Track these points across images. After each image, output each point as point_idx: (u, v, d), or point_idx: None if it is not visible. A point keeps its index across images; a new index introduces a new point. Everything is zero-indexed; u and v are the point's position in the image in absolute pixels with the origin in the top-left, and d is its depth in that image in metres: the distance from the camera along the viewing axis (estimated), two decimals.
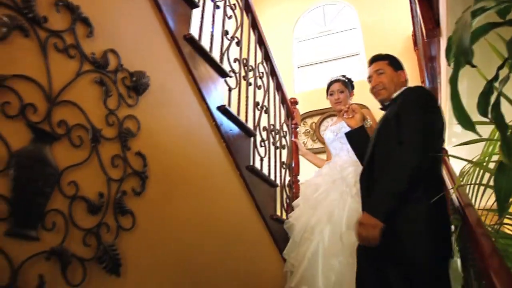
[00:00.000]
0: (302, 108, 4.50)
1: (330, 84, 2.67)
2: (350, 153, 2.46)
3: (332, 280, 2.06)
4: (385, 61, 1.87)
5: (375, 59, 1.91)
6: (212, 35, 2.04)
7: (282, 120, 2.96)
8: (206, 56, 1.94)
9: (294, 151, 3.02)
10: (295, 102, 3.16)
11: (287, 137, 2.97)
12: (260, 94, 2.62)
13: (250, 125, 2.35)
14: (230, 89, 2.22)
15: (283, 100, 3.02)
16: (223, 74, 2.09)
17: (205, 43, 1.98)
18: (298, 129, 3.18)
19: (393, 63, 1.86)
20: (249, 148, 2.30)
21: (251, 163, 2.25)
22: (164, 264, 1.46)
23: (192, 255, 1.63)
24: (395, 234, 1.45)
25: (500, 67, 1.20)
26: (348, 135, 1.98)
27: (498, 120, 1.13)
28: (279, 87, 2.94)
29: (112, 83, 1.36)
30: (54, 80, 1.15)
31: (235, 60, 2.33)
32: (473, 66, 1.19)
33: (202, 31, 1.98)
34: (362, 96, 4.39)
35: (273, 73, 2.86)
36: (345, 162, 2.48)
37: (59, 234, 1.09)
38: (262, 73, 2.70)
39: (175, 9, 1.78)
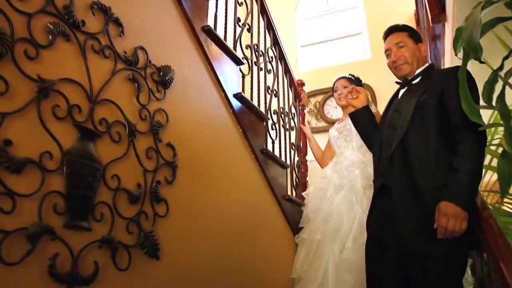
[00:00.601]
0: (306, 87, 4.58)
1: (335, 81, 2.67)
2: (355, 151, 2.47)
3: None
4: (405, 33, 1.72)
5: (393, 30, 1.75)
6: (226, 24, 2.09)
7: (291, 103, 3.03)
8: (222, 46, 2.00)
9: (301, 132, 3.11)
10: (302, 84, 3.23)
11: (295, 119, 3.05)
12: (269, 78, 2.68)
13: (262, 109, 2.43)
14: (243, 76, 2.28)
15: (291, 82, 3.08)
16: (238, 62, 2.16)
17: (219, 32, 2.04)
18: (305, 110, 3.26)
19: (414, 34, 1.72)
20: (263, 132, 2.38)
21: (265, 147, 2.35)
22: (192, 246, 1.58)
23: (214, 236, 1.74)
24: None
25: (505, 58, 1.28)
26: (352, 115, 1.90)
27: (503, 110, 1.22)
28: (287, 71, 3.00)
29: (143, 79, 1.43)
30: (94, 80, 1.22)
31: (247, 46, 2.39)
32: (482, 62, 1.27)
33: (216, 21, 2.03)
34: (365, 75, 4.47)
35: (281, 57, 2.91)
36: (351, 163, 2.42)
37: (106, 224, 1.19)
38: (272, 57, 2.75)
39: (193, 1, 1.82)
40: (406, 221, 1.47)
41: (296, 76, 4.49)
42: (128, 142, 1.33)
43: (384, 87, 4.13)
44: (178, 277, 1.45)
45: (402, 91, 1.71)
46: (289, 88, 3.07)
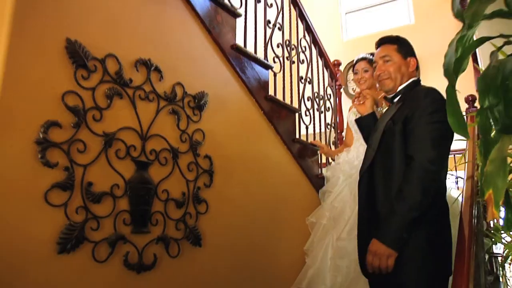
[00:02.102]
0: (349, 55, 4.66)
1: (355, 63, 2.57)
2: None
3: (338, 280, 2.22)
4: (394, 46, 1.71)
5: (383, 42, 1.75)
6: (255, 37, 2.36)
7: (326, 84, 3.25)
8: (251, 57, 2.30)
9: (338, 110, 3.34)
10: (338, 64, 3.40)
11: (331, 99, 3.28)
12: (304, 66, 2.92)
13: (295, 98, 2.73)
14: (275, 74, 2.57)
15: (326, 64, 3.27)
16: (267, 67, 2.44)
17: (250, 39, 2.33)
18: (342, 90, 3.46)
19: (403, 48, 1.71)
20: (294, 123, 2.69)
21: (297, 136, 2.67)
22: (229, 232, 2.03)
23: (246, 223, 2.17)
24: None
25: None
26: (357, 121, 1.94)
27: (482, 124, 1.40)
28: (321, 54, 3.19)
29: (181, 109, 1.82)
30: (142, 122, 1.64)
31: (278, 45, 2.64)
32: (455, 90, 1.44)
33: (246, 32, 2.31)
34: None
35: (315, 42, 3.10)
36: (363, 151, 2.41)
37: (160, 226, 1.66)
38: (305, 46, 2.96)
39: (222, 25, 2.12)
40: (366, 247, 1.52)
41: (341, 45, 4.61)
42: (173, 162, 1.75)
43: (428, 54, 4.09)
44: (216, 259, 1.92)
45: (385, 109, 1.77)
46: (325, 70, 3.28)
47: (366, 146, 2.50)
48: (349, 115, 2.74)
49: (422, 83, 1.79)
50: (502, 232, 2.28)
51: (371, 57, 2.48)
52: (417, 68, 1.75)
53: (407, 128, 1.51)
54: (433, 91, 1.55)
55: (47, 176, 1.30)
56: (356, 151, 2.58)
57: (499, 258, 3.12)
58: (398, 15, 4.92)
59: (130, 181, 1.55)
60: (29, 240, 1.23)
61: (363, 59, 2.51)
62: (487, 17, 1.42)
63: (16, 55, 1.25)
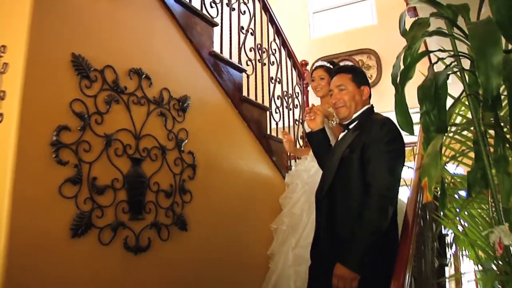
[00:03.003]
0: (317, 53, 4.99)
1: (313, 70, 2.61)
2: None
3: (297, 285, 2.35)
4: (349, 75, 1.80)
5: (338, 71, 1.86)
6: (230, 43, 2.63)
7: (295, 83, 3.56)
8: (227, 62, 2.56)
9: (306, 106, 3.66)
10: (305, 64, 3.71)
11: (299, 97, 3.60)
12: (274, 67, 3.21)
13: (266, 97, 3.02)
14: (248, 76, 2.85)
15: (295, 65, 3.58)
16: (241, 70, 2.72)
17: (225, 45, 2.60)
18: (309, 88, 3.78)
19: (357, 78, 1.80)
20: (266, 120, 2.99)
21: (268, 132, 2.97)
22: (210, 218, 2.31)
23: (225, 209, 2.46)
24: None
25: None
26: (308, 136, 2.02)
27: (424, 124, 1.68)
28: (290, 56, 3.49)
29: (168, 111, 2.07)
30: (136, 123, 1.88)
31: (251, 49, 2.91)
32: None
33: (222, 39, 2.57)
34: (371, 41, 4.80)
35: (284, 44, 3.40)
36: None
37: (153, 214, 1.92)
38: (275, 49, 3.25)
39: (201, 34, 2.37)
40: (328, 268, 1.58)
41: (308, 43, 4.93)
42: (162, 158, 2.01)
43: (390, 53, 4.48)
44: (200, 241, 2.20)
45: (341, 134, 1.86)
46: (293, 70, 3.58)
47: None
48: (305, 124, 2.76)
49: (384, 80, 2.03)
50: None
51: (328, 65, 2.54)
52: (370, 96, 1.84)
53: (365, 157, 1.61)
54: (388, 121, 1.67)
55: (61, 172, 1.53)
56: (312, 159, 2.60)
57: (447, 238, 3.57)
58: (362, 16, 5.29)
59: (127, 175, 1.80)
60: (48, 227, 1.47)
61: (320, 67, 2.54)
62: (427, 35, 1.75)
63: (32, 69, 1.47)
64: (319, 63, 2.61)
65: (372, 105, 1.84)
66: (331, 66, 2.52)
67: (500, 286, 1.89)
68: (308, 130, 2.02)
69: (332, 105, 1.88)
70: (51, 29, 1.55)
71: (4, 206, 1.36)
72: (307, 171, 2.66)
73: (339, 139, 1.86)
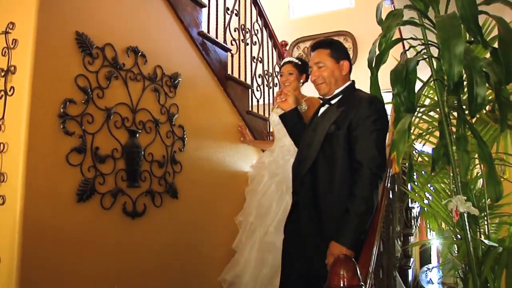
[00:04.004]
0: (295, 33, 5.15)
1: (282, 65, 2.68)
2: None
3: (264, 272, 2.41)
4: (327, 50, 1.78)
5: (316, 46, 1.83)
6: (217, 23, 2.75)
7: (275, 62, 3.73)
8: (214, 42, 2.70)
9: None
10: (285, 45, 3.88)
11: (279, 76, 3.77)
12: (256, 47, 3.36)
13: (248, 75, 3.19)
14: (232, 55, 3.00)
15: (275, 45, 3.74)
16: (226, 50, 2.86)
17: (212, 25, 2.72)
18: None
19: (335, 52, 1.78)
20: (248, 97, 3.16)
21: (250, 109, 3.15)
22: (199, 186, 2.50)
23: (212, 178, 2.65)
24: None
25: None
26: (282, 117, 2.02)
27: (396, 105, 1.89)
28: (271, 36, 3.64)
29: (161, 87, 2.21)
30: (133, 98, 2.02)
31: (235, 29, 3.05)
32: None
33: (209, 20, 2.70)
34: (348, 24, 4.99)
35: (266, 25, 3.54)
36: (287, 151, 2.63)
37: (148, 182, 2.09)
38: (257, 30, 3.39)
39: (191, 15, 2.49)
40: (310, 243, 1.63)
41: (287, 23, 5.07)
42: (155, 131, 2.16)
43: (366, 36, 4.70)
44: (189, 208, 2.39)
45: (322, 109, 1.84)
46: (273, 50, 3.74)
47: (288, 147, 2.63)
48: (272, 115, 2.86)
49: (359, 62, 2.06)
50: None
51: (296, 61, 2.65)
52: (350, 69, 1.84)
53: (353, 134, 1.62)
54: (375, 100, 1.70)
55: (67, 142, 1.67)
56: (280, 151, 2.72)
57: (413, 211, 3.92)
58: None
59: (125, 146, 1.95)
60: (56, 191, 1.62)
61: (289, 62, 2.64)
62: (401, 24, 1.96)
63: (41, 45, 1.58)
64: (288, 58, 2.71)
65: (353, 80, 1.85)
66: (299, 62, 2.64)
67: (456, 250, 2.20)
68: (281, 113, 2.05)
69: (312, 82, 1.88)
70: (57, 8, 1.65)
71: (19, 172, 1.50)
72: (276, 162, 2.69)
73: (319, 114, 1.84)
